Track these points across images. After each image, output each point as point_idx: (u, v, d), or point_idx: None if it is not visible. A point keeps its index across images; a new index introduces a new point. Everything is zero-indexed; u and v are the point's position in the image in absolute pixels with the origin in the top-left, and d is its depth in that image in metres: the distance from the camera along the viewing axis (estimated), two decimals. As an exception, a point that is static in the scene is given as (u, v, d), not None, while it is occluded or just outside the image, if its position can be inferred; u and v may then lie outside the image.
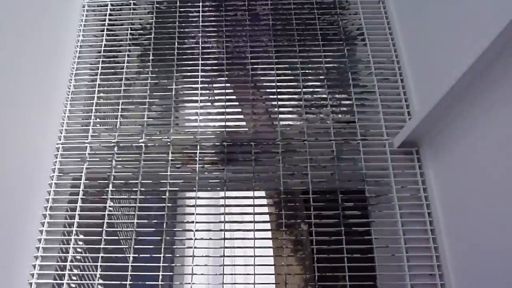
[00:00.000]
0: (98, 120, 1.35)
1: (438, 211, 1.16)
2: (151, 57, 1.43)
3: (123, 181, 1.27)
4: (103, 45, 1.46)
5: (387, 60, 1.43)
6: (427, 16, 1.25)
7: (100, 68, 1.42)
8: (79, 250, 1.20)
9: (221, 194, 1.26)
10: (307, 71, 1.41)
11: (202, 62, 1.43)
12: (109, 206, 1.23)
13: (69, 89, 1.39)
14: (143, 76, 1.40)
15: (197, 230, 1.20)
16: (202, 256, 1.18)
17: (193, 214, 1.23)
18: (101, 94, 1.38)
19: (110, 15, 1.51)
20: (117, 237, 1.23)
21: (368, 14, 1.51)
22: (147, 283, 1.16)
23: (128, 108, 1.37)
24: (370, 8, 1.52)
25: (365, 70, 1.42)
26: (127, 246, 1.22)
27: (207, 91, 1.39)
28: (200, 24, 1.50)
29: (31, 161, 1.21)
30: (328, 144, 1.31)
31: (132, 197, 1.25)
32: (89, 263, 1.18)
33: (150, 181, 1.27)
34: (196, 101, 1.38)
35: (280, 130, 1.33)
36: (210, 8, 1.53)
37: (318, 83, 1.40)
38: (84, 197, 1.25)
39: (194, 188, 1.26)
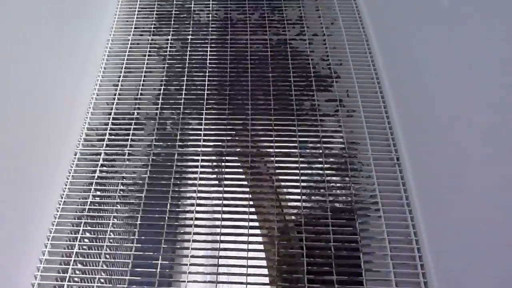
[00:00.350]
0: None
1: None
2: (138, 221, 1.28)
3: None
4: (88, 202, 1.32)
5: (404, 239, 1.25)
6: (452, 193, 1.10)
7: (80, 232, 1.26)
8: None
9: None
10: (315, 251, 1.24)
11: (195, 230, 1.27)
12: None
13: (41, 263, 1.21)
14: (127, 246, 1.24)
15: None
16: None
17: None
18: (78, 266, 1.21)
19: (102, 165, 1.40)
20: None
21: (382, 179, 1.37)
22: None
23: (103, 287, 1.19)
24: (385, 172, 1.38)
25: (379, 251, 1.24)
26: None
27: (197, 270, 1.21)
28: (198, 182, 1.37)
29: None
30: None
31: None
32: None
33: None
34: (183, 281, 1.19)
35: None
36: (209, 164, 1.41)
37: (327, 268, 1.21)
38: None
39: None
